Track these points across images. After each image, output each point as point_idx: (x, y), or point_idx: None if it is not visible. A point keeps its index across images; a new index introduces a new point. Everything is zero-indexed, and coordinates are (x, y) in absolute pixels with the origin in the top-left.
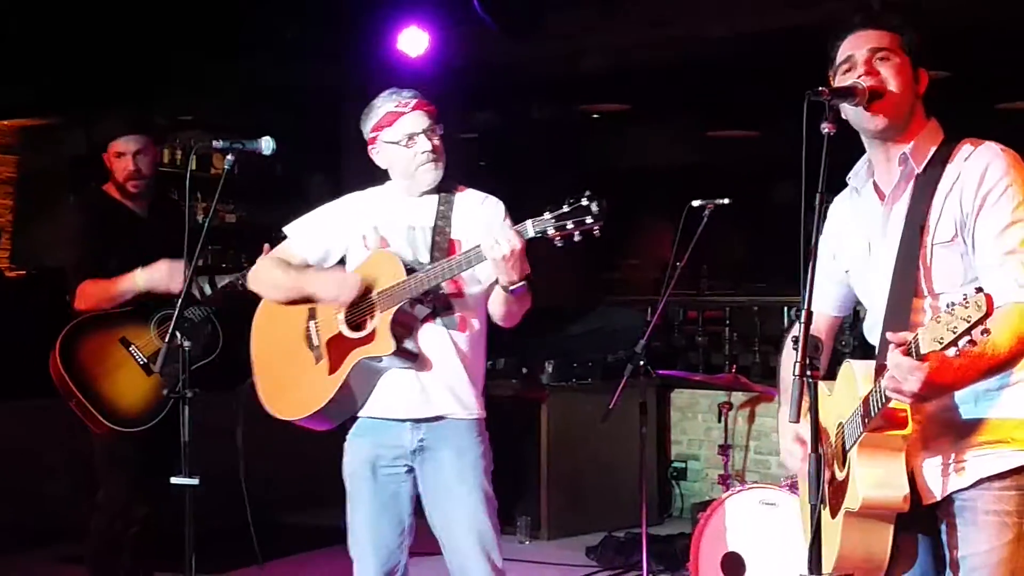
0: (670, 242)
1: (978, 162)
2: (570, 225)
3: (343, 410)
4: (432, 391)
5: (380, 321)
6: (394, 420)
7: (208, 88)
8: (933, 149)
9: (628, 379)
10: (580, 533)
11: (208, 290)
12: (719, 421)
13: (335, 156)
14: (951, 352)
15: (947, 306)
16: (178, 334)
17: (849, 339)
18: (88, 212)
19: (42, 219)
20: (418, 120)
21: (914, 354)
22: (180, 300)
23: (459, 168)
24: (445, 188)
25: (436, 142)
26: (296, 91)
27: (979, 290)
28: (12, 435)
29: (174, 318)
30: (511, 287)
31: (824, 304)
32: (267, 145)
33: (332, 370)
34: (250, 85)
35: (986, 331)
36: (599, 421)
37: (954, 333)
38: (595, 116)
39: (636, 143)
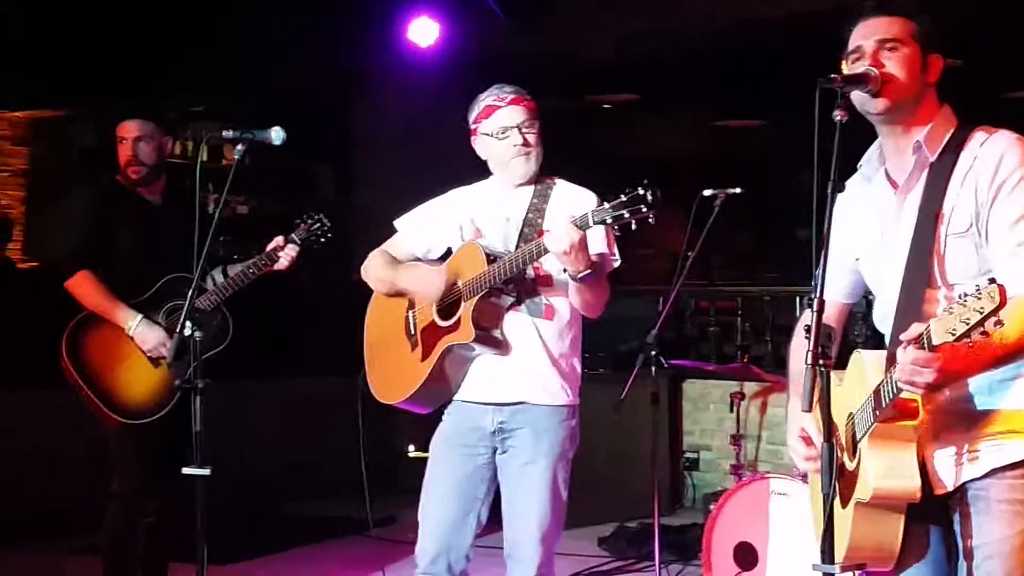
0: (681, 232)
1: (993, 150)
2: (627, 214)
3: (439, 394)
4: (514, 377)
5: (464, 310)
6: (477, 403)
7: (219, 78)
8: (947, 136)
9: (640, 369)
10: (592, 524)
11: (220, 279)
12: (731, 411)
13: (345, 146)
14: (963, 343)
15: (960, 297)
16: (189, 324)
17: (862, 329)
18: (92, 199)
19: (54, 211)
20: (514, 114)
21: (926, 345)
22: (191, 290)
23: (471, 159)
24: (541, 180)
25: (530, 137)
26: (306, 80)
27: (992, 281)
28: (28, 426)
29: (185, 308)
30: (578, 276)
31: (835, 292)
32: (277, 135)
33: (424, 357)
34: (261, 75)
35: (999, 322)
36: (611, 411)
37: (967, 324)
38: (605, 106)
39: (646, 133)
